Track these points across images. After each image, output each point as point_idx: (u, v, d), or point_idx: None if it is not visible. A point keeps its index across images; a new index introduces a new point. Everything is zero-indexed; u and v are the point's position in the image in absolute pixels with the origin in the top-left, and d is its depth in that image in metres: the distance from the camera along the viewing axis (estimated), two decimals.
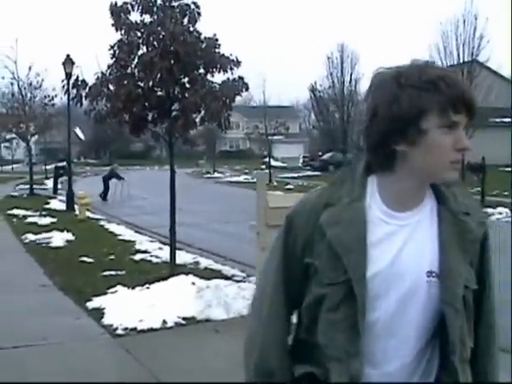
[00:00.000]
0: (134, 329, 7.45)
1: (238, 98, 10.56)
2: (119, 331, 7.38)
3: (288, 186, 37.07)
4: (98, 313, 8.09)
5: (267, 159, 49.11)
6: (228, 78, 9.63)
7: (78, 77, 9.78)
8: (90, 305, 8.48)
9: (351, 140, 59.72)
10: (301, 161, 69.38)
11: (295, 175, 51.92)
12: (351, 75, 58.73)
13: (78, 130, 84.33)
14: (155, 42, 9.36)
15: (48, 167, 43.85)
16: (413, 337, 1.81)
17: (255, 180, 10.55)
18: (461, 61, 45.79)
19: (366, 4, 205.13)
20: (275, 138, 52.29)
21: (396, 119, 1.73)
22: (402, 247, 1.79)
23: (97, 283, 9.70)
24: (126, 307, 8.12)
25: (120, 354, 6.70)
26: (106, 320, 7.79)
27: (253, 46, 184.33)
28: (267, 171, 44.27)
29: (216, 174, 55.13)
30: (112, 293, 9.02)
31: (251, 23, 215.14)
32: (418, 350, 1.82)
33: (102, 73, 9.35)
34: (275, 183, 40.04)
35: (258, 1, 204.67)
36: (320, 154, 63.14)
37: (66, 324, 7.71)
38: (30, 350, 6.70)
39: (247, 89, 9.72)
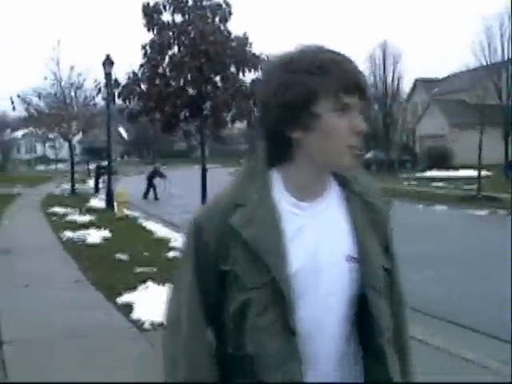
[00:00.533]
0: (162, 324, 7.54)
1: None
2: (146, 326, 7.49)
3: None
4: (128, 308, 8.23)
5: None
6: (257, 77, 9.72)
7: (109, 76, 9.96)
8: (120, 300, 8.63)
9: (393, 139, 59.43)
10: None
11: None
12: (394, 73, 58.38)
13: (121, 130, 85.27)
14: (186, 42, 9.51)
15: (90, 166, 44.49)
16: (340, 328, 1.76)
17: None
18: (505, 58, 45.18)
19: (408, 1, 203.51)
20: None
21: (288, 105, 1.68)
22: (317, 237, 1.74)
23: (129, 279, 9.85)
24: (155, 303, 8.22)
25: (145, 347, 6.81)
26: (135, 315, 7.92)
27: (292, 42, 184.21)
28: None
29: None
30: (143, 289, 9.16)
31: (292, 20, 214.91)
32: (345, 339, 1.78)
33: (134, 72, 9.54)
34: None
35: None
36: (362, 152, 62.89)
37: (94, 318, 7.86)
38: (59, 342, 6.88)
39: None
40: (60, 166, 63.08)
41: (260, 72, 9.85)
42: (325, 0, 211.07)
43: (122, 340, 7.12)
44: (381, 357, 1.76)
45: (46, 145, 56.94)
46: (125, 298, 8.71)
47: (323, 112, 1.68)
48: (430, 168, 47.80)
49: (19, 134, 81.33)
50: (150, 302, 8.27)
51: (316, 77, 1.67)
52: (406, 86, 68.64)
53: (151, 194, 29.68)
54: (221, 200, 1.78)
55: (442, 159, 49.87)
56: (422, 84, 70.38)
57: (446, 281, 10.59)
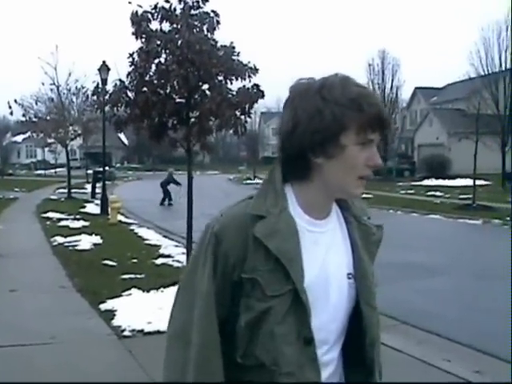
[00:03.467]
0: (141, 331, 7.60)
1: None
2: (126, 333, 7.54)
3: None
4: (110, 314, 8.28)
5: None
6: (244, 86, 9.77)
7: (98, 84, 10.03)
8: (104, 306, 8.68)
9: (392, 147, 59.48)
10: None
11: None
12: (392, 82, 58.56)
13: (122, 135, 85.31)
14: (173, 50, 9.55)
15: (89, 171, 44.57)
16: (340, 338, 1.90)
17: None
18: (502, 68, 45.26)
19: (407, 10, 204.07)
20: None
21: (317, 132, 1.76)
22: (325, 253, 1.85)
23: (114, 286, 9.89)
24: (138, 310, 8.29)
25: (122, 354, 6.86)
26: (116, 321, 7.97)
27: (292, 52, 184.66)
28: None
29: (257, 180, 55.01)
30: (126, 295, 9.22)
31: (292, 31, 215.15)
32: (339, 351, 1.91)
33: (121, 80, 9.57)
34: None
35: (298, 8, 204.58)
36: None
37: (76, 324, 7.92)
38: (35, 348, 6.95)
39: (263, 96, 9.84)
40: (59, 170, 63.19)
41: (247, 82, 9.88)
42: (322, 8, 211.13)
43: (99, 346, 7.17)
44: (369, 368, 1.93)
45: (46, 149, 56.89)
46: (108, 304, 8.76)
47: (349, 144, 1.79)
48: (428, 177, 47.89)
49: (19, 138, 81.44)
50: (133, 309, 8.34)
51: (349, 110, 1.76)
52: (406, 95, 68.88)
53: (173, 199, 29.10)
54: (239, 211, 1.85)
55: (439, 168, 49.93)
56: (421, 92, 70.59)
57: (435, 291, 10.61)
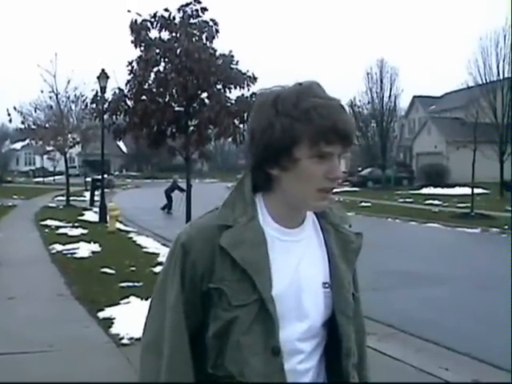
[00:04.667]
0: (139, 339, 7.56)
1: None
2: (124, 340, 7.54)
3: None
4: (108, 322, 8.28)
5: None
6: (242, 94, 9.83)
7: (97, 92, 10.08)
8: (102, 314, 8.67)
9: (390, 156, 59.57)
10: None
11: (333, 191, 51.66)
12: (390, 91, 58.60)
13: (120, 143, 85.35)
14: (172, 59, 9.61)
15: (88, 179, 44.58)
16: (316, 349, 1.87)
17: None
18: (501, 77, 45.32)
19: (406, 20, 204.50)
20: None
21: (269, 146, 1.75)
22: (298, 262, 1.82)
23: (112, 294, 9.88)
24: (136, 318, 8.26)
25: (120, 362, 6.85)
26: (114, 329, 7.96)
27: (292, 60, 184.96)
28: None
29: None
30: (125, 303, 9.22)
31: (292, 39, 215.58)
32: (317, 360, 1.88)
33: (120, 88, 9.62)
34: None
35: (298, 16, 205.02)
36: (359, 169, 63.01)
37: (74, 332, 7.91)
38: (33, 356, 6.94)
39: None
40: (58, 178, 63.13)
41: (246, 90, 9.92)
42: (323, 17, 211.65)
43: (98, 354, 7.16)
44: (345, 379, 1.89)
45: (45, 157, 56.91)
46: (106, 312, 8.76)
47: (302, 157, 1.75)
48: (426, 185, 47.92)
49: (18, 145, 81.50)
50: (131, 317, 8.31)
51: (300, 124, 1.73)
52: (404, 103, 68.97)
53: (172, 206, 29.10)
54: (208, 221, 1.84)
55: (437, 177, 49.98)
56: (419, 101, 70.69)
57: (433, 300, 10.59)
